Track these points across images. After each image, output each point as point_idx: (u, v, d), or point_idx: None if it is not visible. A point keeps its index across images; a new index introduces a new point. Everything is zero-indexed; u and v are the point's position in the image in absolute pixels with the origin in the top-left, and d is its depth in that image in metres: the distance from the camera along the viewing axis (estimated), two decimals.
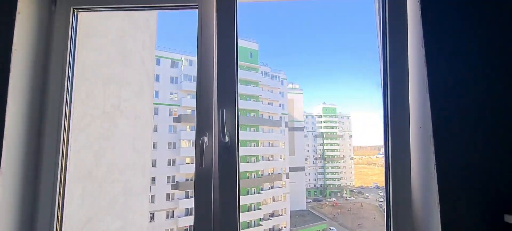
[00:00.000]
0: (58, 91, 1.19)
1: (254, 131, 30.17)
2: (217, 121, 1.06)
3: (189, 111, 28.40)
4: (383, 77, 1.10)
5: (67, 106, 1.21)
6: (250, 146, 29.68)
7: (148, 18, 3.36)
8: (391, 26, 1.06)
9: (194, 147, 1.11)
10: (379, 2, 1.12)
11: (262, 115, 32.23)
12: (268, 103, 34.60)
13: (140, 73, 3.26)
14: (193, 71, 27.14)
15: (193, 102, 27.72)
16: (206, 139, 1.12)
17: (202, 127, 1.14)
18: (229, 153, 1.06)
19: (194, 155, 1.14)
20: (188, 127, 28.59)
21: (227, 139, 1.04)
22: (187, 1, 1.21)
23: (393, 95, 1.06)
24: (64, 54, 1.22)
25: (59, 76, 1.20)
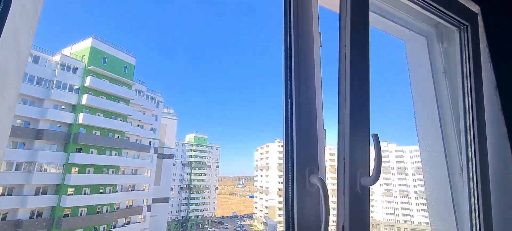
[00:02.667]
0: None
1: (116, 155, 25.31)
2: (345, 155, 0.64)
3: (18, 122, 20.88)
4: (465, 116, 1.04)
5: None
6: (108, 173, 24.52)
7: None
8: (476, 73, 1.04)
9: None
10: (461, 49, 1.10)
11: (128, 138, 27.86)
12: (138, 125, 30.58)
13: (8, 52, 1.97)
14: (38, 71, 20.57)
15: (27, 111, 20.75)
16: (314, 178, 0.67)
17: (304, 162, 0.68)
18: (366, 199, 0.65)
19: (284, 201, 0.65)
20: (12, 143, 21.07)
21: (377, 177, 0.64)
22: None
23: (479, 139, 1.00)
24: None
25: None
